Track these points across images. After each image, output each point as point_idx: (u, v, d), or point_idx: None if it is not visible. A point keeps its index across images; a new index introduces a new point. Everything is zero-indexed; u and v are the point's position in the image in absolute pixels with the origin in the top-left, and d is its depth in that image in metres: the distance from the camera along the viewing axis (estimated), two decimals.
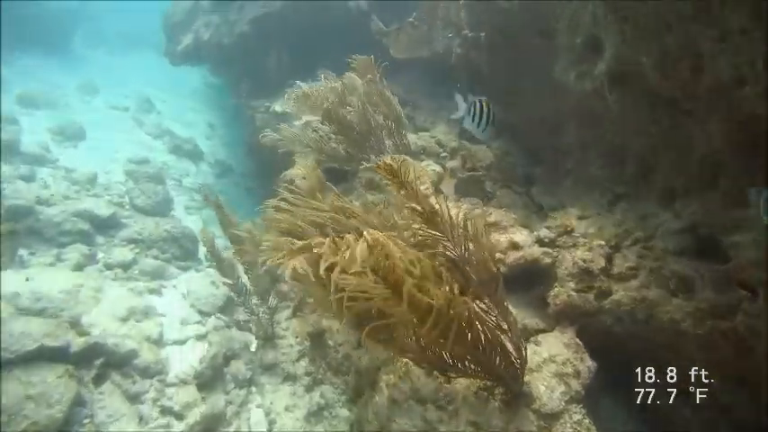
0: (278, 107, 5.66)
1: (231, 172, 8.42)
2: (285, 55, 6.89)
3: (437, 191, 3.81)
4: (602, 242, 2.93)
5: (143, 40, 15.01)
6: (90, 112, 9.30)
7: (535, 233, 3.23)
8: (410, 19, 5.25)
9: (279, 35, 6.99)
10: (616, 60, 2.61)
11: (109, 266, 4.71)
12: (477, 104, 2.57)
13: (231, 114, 9.21)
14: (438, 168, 4.06)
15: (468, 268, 2.22)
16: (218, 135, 10.05)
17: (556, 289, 2.90)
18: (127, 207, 5.91)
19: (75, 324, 3.35)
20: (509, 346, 2.19)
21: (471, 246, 2.20)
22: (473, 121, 2.60)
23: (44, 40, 11.67)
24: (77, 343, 3.19)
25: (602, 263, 2.84)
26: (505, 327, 2.20)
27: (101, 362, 3.23)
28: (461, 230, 2.25)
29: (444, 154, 4.55)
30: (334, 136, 3.87)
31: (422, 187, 3.75)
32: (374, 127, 3.76)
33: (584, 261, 2.86)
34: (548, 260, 3.04)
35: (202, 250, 5.20)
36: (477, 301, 2.20)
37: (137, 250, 5.07)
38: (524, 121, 4.00)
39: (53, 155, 6.78)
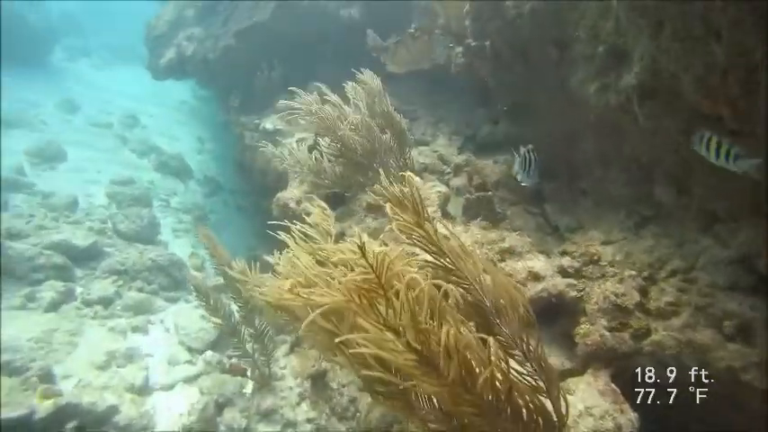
0: (268, 124, 5.33)
1: (221, 190, 8.05)
2: (275, 69, 6.56)
3: (444, 214, 3.52)
4: (634, 272, 2.64)
5: (128, 51, 14.58)
6: (70, 131, 8.89)
7: (556, 261, 2.94)
8: (410, 30, 4.95)
9: (267, 48, 6.67)
10: (648, 72, 2.33)
11: (88, 303, 4.31)
12: (528, 154, 2.70)
13: (221, 128, 8.86)
14: (444, 189, 3.76)
15: (498, 320, 1.91)
16: (207, 149, 9.66)
17: (585, 326, 2.60)
18: (109, 234, 5.51)
19: (45, 377, 2.97)
20: (549, 409, 1.88)
21: (500, 295, 1.89)
22: (524, 170, 2.73)
23: (21, 53, 11.18)
24: (44, 407, 2.78)
25: (637, 297, 2.55)
26: (543, 386, 1.89)
27: (73, 425, 2.84)
28: (482, 270, 1.95)
29: (449, 171, 4.26)
30: (334, 158, 3.54)
31: (429, 210, 3.46)
32: (377, 146, 3.45)
33: (617, 295, 2.57)
34: (573, 293, 2.74)
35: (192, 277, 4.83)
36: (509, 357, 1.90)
37: (119, 282, 4.68)
38: (535, 133, 3.73)
39: (29, 179, 6.37)
